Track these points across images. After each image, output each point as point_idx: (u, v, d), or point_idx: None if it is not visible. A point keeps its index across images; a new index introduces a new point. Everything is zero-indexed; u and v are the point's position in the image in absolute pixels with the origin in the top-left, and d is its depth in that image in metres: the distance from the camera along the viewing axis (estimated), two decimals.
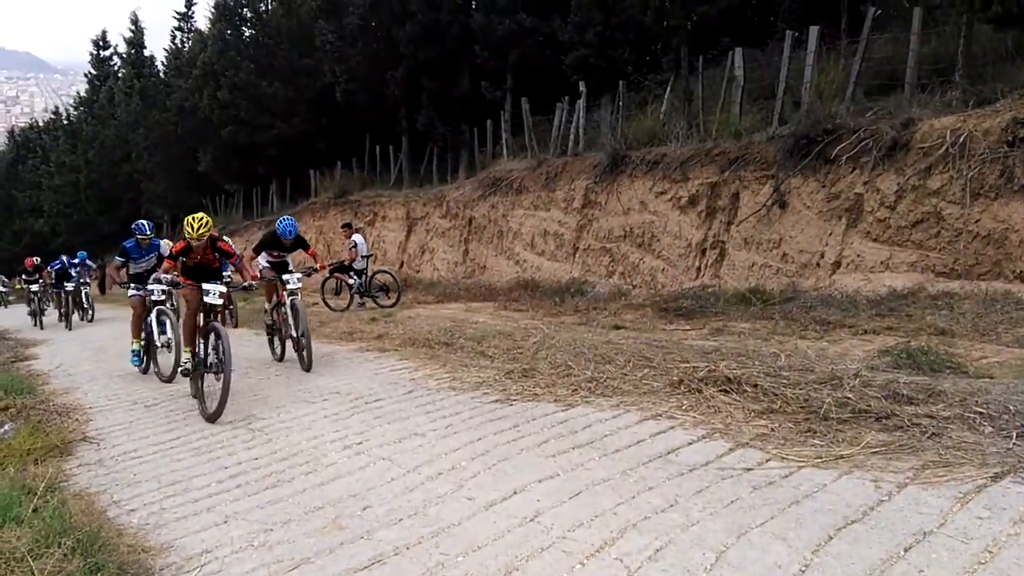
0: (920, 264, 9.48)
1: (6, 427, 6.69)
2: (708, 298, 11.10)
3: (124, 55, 46.45)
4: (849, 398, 5.16)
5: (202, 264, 7.85)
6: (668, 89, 15.17)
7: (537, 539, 3.64)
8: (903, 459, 4.23)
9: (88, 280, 19.46)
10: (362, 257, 15.69)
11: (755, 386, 5.72)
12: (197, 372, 7.16)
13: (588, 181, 15.28)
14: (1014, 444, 4.26)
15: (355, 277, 15.53)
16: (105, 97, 46.35)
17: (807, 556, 3.26)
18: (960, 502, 3.63)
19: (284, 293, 9.15)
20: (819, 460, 4.32)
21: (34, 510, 4.28)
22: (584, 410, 5.86)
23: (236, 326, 14.41)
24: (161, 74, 41.49)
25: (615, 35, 17.55)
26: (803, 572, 3.13)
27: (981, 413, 4.72)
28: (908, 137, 9.78)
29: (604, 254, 14.70)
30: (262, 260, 9.94)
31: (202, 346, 7.07)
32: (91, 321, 18.93)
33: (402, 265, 21.85)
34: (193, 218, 7.42)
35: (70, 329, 17.65)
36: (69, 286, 18.51)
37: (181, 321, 8.06)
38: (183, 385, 8.48)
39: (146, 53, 45.31)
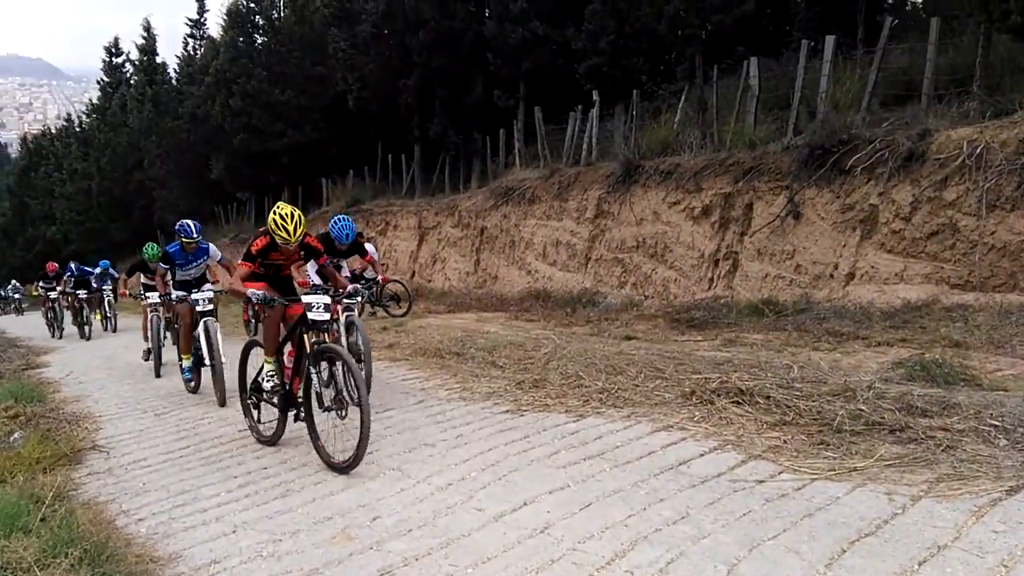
0: (935, 276, 9.41)
1: (16, 435, 6.65)
2: (721, 309, 11.05)
3: (136, 62, 46.39)
4: (863, 410, 5.13)
5: (279, 268, 6.49)
6: (682, 98, 15.14)
7: (547, 551, 3.62)
8: (917, 472, 4.20)
9: (111, 289, 19.04)
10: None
11: (768, 398, 5.70)
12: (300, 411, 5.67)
13: (601, 191, 15.26)
14: None
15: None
16: (117, 104, 46.35)
17: (820, 570, 3.23)
18: (975, 516, 3.60)
19: (338, 308, 7.62)
20: (832, 472, 4.30)
21: (42, 519, 4.27)
22: (595, 421, 5.85)
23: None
24: (173, 81, 41.60)
25: (629, 44, 17.53)
26: None
27: (996, 426, 4.69)
28: (924, 148, 9.73)
29: (616, 264, 14.66)
30: (311, 268, 7.80)
31: (316, 377, 5.34)
32: (114, 331, 18.19)
33: (414, 275, 21.86)
34: (284, 215, 5.72)
35: (88, 339, 17.09)
36: (83, 293, 17.95)
37: (261, 336, 6.26)
38: (190, 394, 8.52)
39: (158, 60, 45.30)
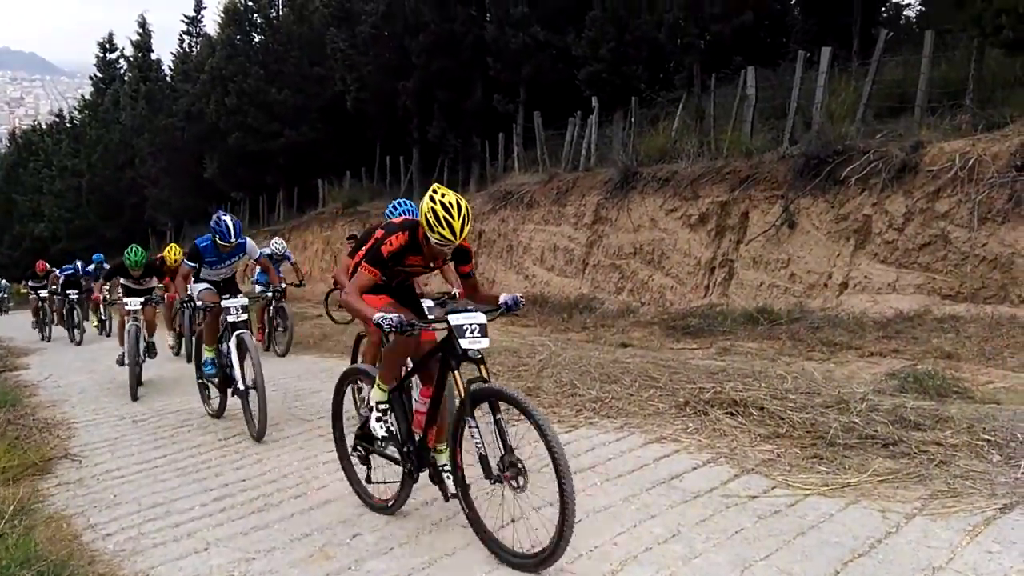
0: (927, 287, 9.45)
1: None
2: (716, 317, 11.06)
3: (131, 58, 45.94)
4: (856, 423, 5.14)
5: (408, 275, 4.82)
6: (680, 106, 15.15)
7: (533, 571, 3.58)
8: (911, 488, 4.20)
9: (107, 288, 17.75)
10: None
11: (761, 409, 5.70)
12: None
13: (599, 197, 15.26)
14: (1022, 474, 4.23)
15: None
16: (110, 100, 45.71)
17: None
18: (969, 535, 3.60)
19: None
20: (825, 488, 4.30)
21: (0, 536, 4.07)
22: (587, 432, 5.84)
23: None
24: (168, 78, 41.11)
25: (629, 51, 17.52)
26: None
27: (989, 441, 4.70)
28: (917, 160, 9.77)
29: (613, 271, 14.67)
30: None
31: (474, 432, 3.95)
32: (109, 335, 16.39)
33: None
34: (449, 204, 3.91)
35: (79, 343, 16.06)
36: (73, 294, 16.76)
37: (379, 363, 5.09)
38: (172, 399, 8.30)
39: (153, 57, 44.76)
